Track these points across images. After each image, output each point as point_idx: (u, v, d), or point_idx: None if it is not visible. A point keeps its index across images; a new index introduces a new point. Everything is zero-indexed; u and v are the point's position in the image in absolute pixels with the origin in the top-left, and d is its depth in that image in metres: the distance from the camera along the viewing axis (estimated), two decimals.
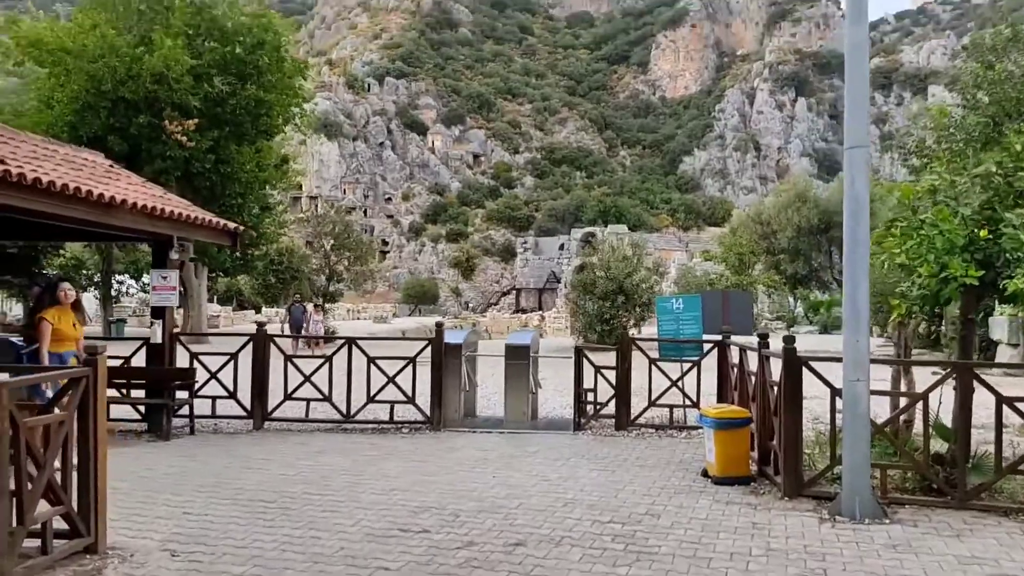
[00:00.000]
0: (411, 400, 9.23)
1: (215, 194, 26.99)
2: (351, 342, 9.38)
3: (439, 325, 9.25)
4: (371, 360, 9.30)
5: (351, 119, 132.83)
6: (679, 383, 9.02)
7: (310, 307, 24.12)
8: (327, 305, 22.48)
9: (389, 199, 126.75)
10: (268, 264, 39.61)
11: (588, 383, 9.25)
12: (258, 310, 52.05)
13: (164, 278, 9.31)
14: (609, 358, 9.26)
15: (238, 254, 36.70)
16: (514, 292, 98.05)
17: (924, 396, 5.85)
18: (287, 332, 21.80)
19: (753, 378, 7.34)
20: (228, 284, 57.80)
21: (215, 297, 56.96)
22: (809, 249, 45.78)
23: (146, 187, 9.40)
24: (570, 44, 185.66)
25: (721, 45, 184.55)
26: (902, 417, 6.52)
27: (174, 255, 9.29)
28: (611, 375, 9.13)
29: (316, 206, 31.19)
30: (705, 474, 6.80)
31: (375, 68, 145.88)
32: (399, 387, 9.22)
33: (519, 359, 9.18)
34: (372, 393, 9.30)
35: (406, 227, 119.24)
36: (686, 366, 9.03)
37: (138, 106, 23.51)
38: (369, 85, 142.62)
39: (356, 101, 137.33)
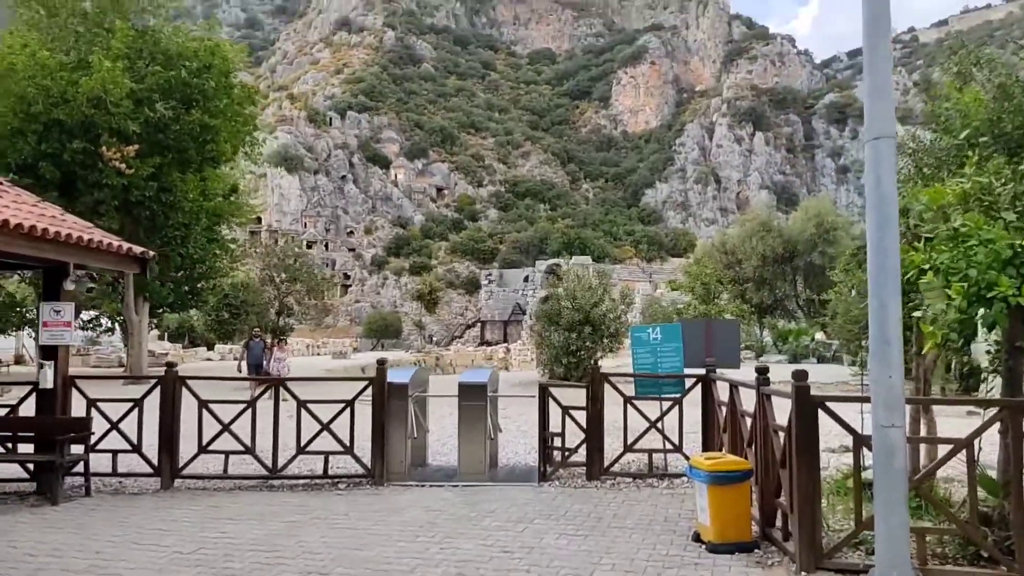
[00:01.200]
0: (348, 450, 7.91)
1: (156, 224, 25.43)
2: (279, 384, 8.03)
3: (380, 364, 7.97)
4: (301, 404, 7.97)
5: (312, 152, 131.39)
6: (658, 424, 7.86)
7: (271, 342, 22.41)
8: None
9: (351, 232, 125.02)
10: (222, 299, 37.81)
11: (555, 426, 8.04)
12: (210, 347, 49.91)
13: (57, 312, 7.91)
14: (578, 396, 8.08)
15: (186, 288, 35.08)
16: (479, 324, 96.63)
17: (968, 442, 4.75)
18: (243, 371, 19.72)
19: (748, 420, 6.23)
20: (180, 320, 55.48)
21: (165, 334, 54.64)
22: (774, 278, 45.49)
23: (38, 207, 8.04)
24: (532, 80, 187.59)
25: (680, 81, 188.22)
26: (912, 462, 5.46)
27: (69, 285, 7.92)
28: (581, 416, 7.93)
29: (267, 239, 29.71)
30: (698, 538, 5.61)
31: (337, 102, 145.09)
32: (334, 435, 7.90)
33: (475, 399, 7.94)
34: (303, 443, 7.96)
35: (368, 260, 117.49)
36: (666, 405, 7.89)
37: (72, 131, 21.98)
38: (331, 119, 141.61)
39: (317, 135, 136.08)
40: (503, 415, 12.00)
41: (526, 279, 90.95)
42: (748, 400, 6.59)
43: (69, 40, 23.31)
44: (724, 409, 7.21)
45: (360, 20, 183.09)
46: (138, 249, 8.19)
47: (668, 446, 7.83)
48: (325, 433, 7.96)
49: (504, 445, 10.19)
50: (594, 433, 7.80)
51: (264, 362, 19.47)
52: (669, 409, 7.82)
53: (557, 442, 8.05)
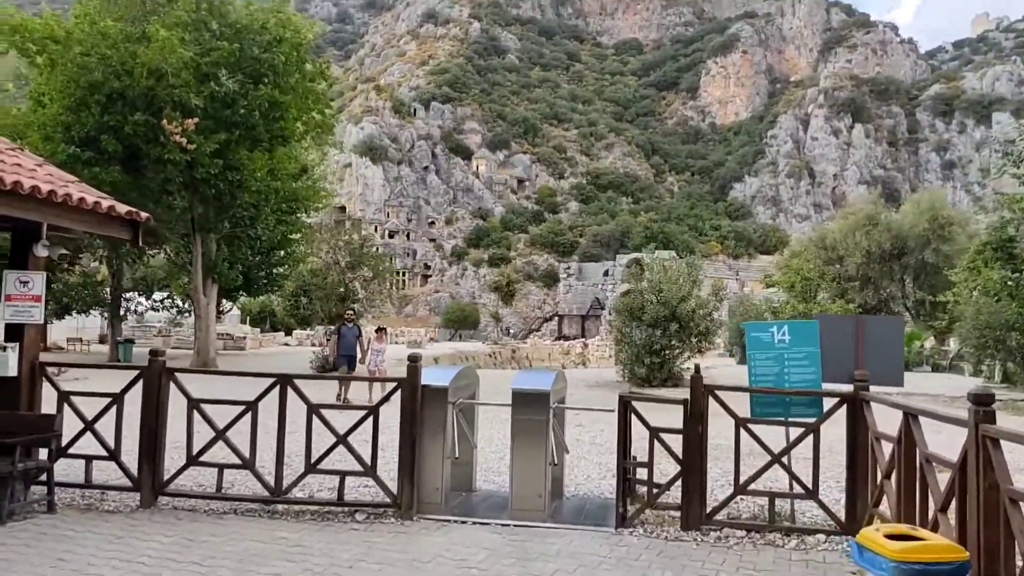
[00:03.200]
0: (369, 471, 6.13)
1: (223, 204, 24.58)
2: (285, 381, 6.33)
3: (412, 360, 6.15)
4: (313, 409, 6.24)
5: (396, 143, 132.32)
6: (784, 458, 5.74)
7: (369, 330, 18.90)
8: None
9: (432, 223, 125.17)
10: (300, 284, 37.04)
11: (640, 451, 6.05)
12: (288, 332, 49.94)
13: (24, 283, 6.44)
14: (671, 413, 6.04)
15: (262, 272, 34.54)
16: (556, 318, 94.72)
17: None
18: (332, 363, 16.79)
19: (936, 468, 4.10)
20: (262, 304, 55.93)
21: (247, 318, 55.17)
22: (880, 277, 41.62)
23: (12, 155, 6.59)
24: (617, 71, 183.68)
25: (773, 71, 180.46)
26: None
27: (41, 250, 6.44)
28: (676, 441, 5.90)
29: (338, 221, 28.54)
30: None
31: (421, 93, 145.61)
32: (352, 450, 6.14)
33: (533, 412, 6.03)
34: (314, 459, 6.23)
35: (448, 251, 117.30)
36: (795, 432, 5.76)
37: (135, 103, 21.23)
38: (415, 110, 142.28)
39: (402, 125, 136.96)
40: (574, 422, 10.06)
41: (606, 273, 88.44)
42: (932, 436, 4.45)
43: (135, 10, 22.61)
44: (884, 445, 5.07)
45: (446, 12, 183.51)
46: (124, 208, 6.63)
47: (797, 489, 5.70)
48: (343, 446, 6.20)
49: (573, 464, 8.23)
50: (694, 466, 5.75)
51: (358, 353, 15.95)
52: (800, 438, 5.69)
53: (642, 474, 6.03)
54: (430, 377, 6.26)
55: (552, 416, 6.15)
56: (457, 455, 6.33)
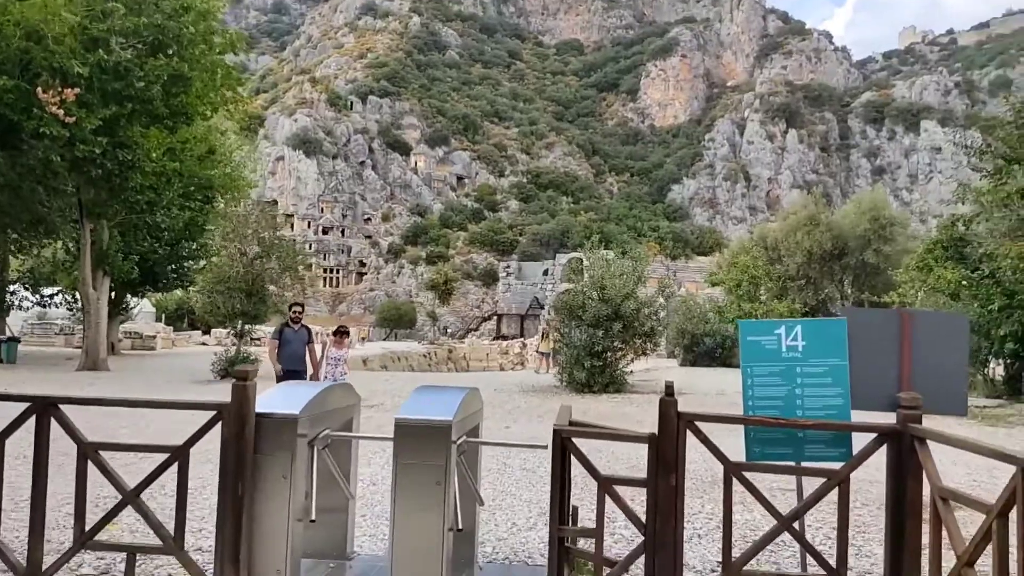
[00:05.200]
0: (171, 546, 4.00)
1: (114, 187, 21.75)
2: (45, 407, 4.14)
3: (240, 378, 4.05)
4: (88, 450, 4.08)
5: (332, 136, 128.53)
6: (796, 523, 3.87)
7: (321, 334, 15.22)
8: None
9: (368, 219, 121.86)
10: (234, 279, 33.90)
11: (586, 508, 4.12)
12: (207, 330, 46.69)
13: None
14: (629, 451, 4.09)
15: (171, 266, 31.56)
16: (495, 318, 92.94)
17: None
18: (278, 372, 11.37)
19: None
20: (179, 300, 52.51)
21: (162, 316, 51.55)
22: (820, 277, 41.13)
23: None
24: (559, 70, 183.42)
25: (711, 76, 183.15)
26: None
27: None
28: (637, 498, 3.99)
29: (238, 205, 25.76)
30: None
31: (359, 86, 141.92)
32: (146, 515, 4.00)
33: (427, 454, 3.99)
34: (89, 526, 4.07)
35: (385, 248, 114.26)
36: (812, 484, 3.90)
37: (4, 66, 18.36)
38: (352, 103, 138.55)
39: (338, 119, 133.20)
40: (487, 470, 8.10)
41: (546, 272, 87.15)
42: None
43: None
44: (954, 509, 3.26)
45: (386, 5, 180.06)
46: None
47: (815, 568, 3.85)
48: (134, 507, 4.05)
49: (494, 507, 6.27)
50: (664, 535, 3.83)
51: (308, 365, 11.69)
52: (820, 493, 3.82)
53: (587, 544, 4.09)
54: (271, 403, 4.18)
55: (457, 457, 4.14)
56: (313, 517, 4.25)
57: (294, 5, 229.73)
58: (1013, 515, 2.90)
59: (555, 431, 4.06)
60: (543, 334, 27.97)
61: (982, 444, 2.98)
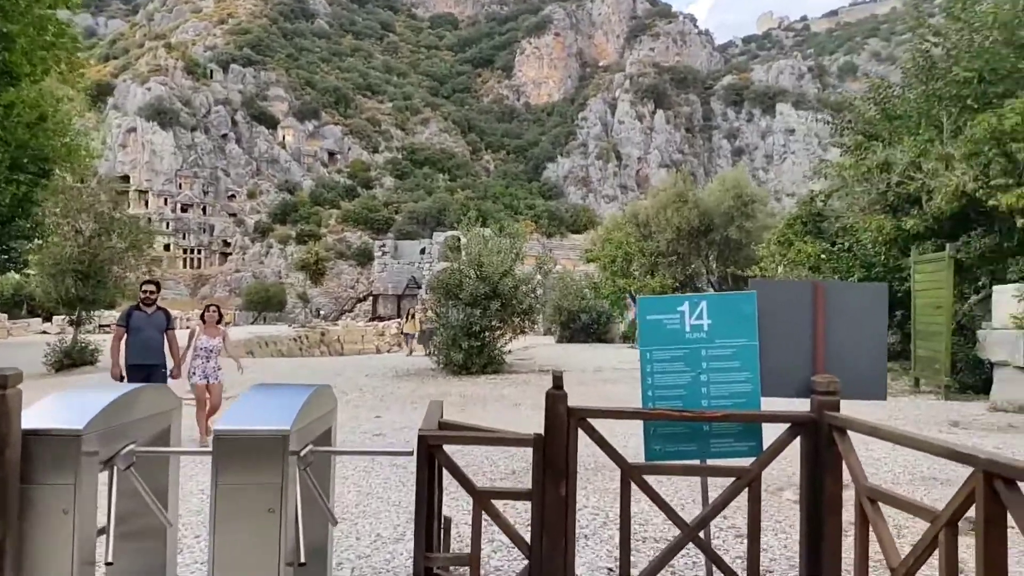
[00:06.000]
0: None
1: None
2: None
3: None
4: None
5: (190, 107, 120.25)
6: (703, 531, 3.35)
7: (183, 318, 11.53)
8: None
9: (233, 196, 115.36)
10: (67, 260, 30.51)
11: (461, 522, 3.42)
12: (48, 317, 42.64)
13: None
14: (511, 461, 3.42)
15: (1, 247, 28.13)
16: (371, 298, 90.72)
17: None
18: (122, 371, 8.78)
19: None
20: (16, 285, 47.69)
21: None
22: (688, 253, 42.50)
23: None
24: (433, 44, 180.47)
25: (584, 55, 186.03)
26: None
27: None
28: (520, 513, 3.32)
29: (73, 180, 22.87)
30: None
31: (219, 54, 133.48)
32: None
33: (257, 471, 3.15)
34: None
35: (251, 227, 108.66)
36: (720, 483, 3.39)
37: None
38: (212, 72, 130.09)
39: (196, 88, 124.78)
40: (364, 427, 7.30)
41: (423, 251, 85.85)
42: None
43: None
44: (884, 511, 2.82)
45: None
46: None
47: None
48: None
49: (358, 513, 5.47)
50: (552, 556, 3.21)
51: (167, 358, 8.82)
52: (729, 496, 3.30)
53: (462, 572, 3.41)
54: (49, 414, 3.20)
55: (300, 472, 3.32)
56: (111, 559, 3.30)
57: None
58: (962, 524, 2.45)
59: (420, 438, 3.33)
60: (407, 314, 27.22)
61: (928, 439, 2.51)
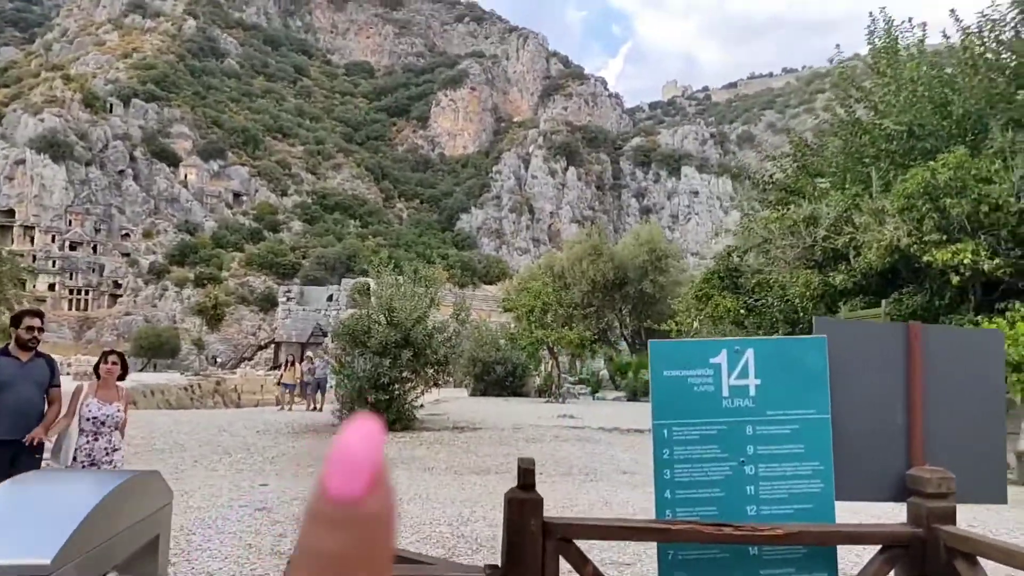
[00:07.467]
0: None
1: None
2: None
3: None
4: None
5: (86, 141, 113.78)
6: None
7: (64, 363, 8.26)
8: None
9: (127, 235, 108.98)
10: None
11: None
12: None
13: None
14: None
15: None
16: (273, 346, 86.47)
17: None
18: None
19: None
20: None
21: None
22: (603, 306, 42.23)
23: None
24: (348, 91, 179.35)
25: (499, 110, 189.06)
26: None
27: None
28: None
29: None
30: None
31: (121, 87, 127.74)
32: None
33: None
34: None
35: (145, 268, 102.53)
36: None
37: None
38: (112, 105, 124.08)
39: (94, 122, 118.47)
40: (254, 471, 5.79)
41: (330, 298, 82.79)
42: None
43: None
44: None
45: (157, 5, 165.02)
46: None
47: None
48: None
49: None
50: None
51: (43, 430, 5.44)
52: None
53: None
54: (12, 537, 1.68)
55: None
56: None
57: None
58: None
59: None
60: (286, 362, 25.42)
61: None
